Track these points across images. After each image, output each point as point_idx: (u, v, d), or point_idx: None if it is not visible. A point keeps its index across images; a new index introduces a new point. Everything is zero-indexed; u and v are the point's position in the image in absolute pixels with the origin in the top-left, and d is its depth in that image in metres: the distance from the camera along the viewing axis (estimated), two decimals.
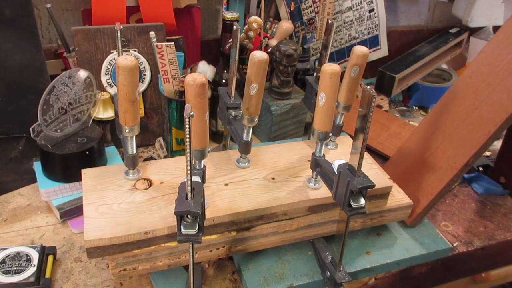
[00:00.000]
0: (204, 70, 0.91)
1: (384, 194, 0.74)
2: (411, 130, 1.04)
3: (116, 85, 0.74)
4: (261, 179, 0.71)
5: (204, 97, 0.57)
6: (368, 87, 0.53)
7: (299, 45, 1.08)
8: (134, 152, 0.67)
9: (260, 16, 1.01)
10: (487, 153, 1.02)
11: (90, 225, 0.60)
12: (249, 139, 0.71)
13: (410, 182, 0.82)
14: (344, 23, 1.18)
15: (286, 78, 0.95)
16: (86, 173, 0.69)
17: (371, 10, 1.17)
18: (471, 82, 0.81)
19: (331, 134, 0.79)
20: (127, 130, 0.64)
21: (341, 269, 0.65)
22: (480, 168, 0.97)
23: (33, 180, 0.82)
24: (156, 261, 0.63)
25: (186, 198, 0.52)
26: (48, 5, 0.84)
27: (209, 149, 0.63)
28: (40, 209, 0.80)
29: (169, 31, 0.95)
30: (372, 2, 1.16)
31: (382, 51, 1.22)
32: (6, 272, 0.64)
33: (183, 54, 0.89)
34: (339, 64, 1.19)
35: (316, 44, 1.18)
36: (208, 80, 0.87)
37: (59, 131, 0.77)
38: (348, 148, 0.80)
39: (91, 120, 0.83)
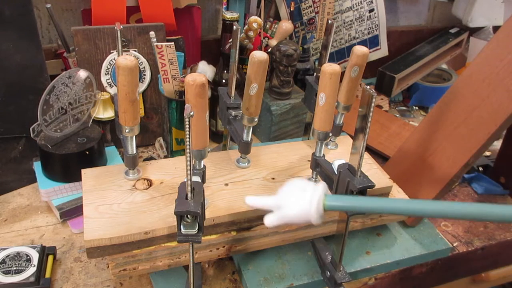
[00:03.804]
0: (204, 70, 0.91)
1: (384, 194, 0.74)
2: (411, 130, 1.04)
3: (116, 85, 0.74)
4: (261, 179, 0.71)
5: (204, 97, 0.57)
6: (368, 87, 0.53)
7: (299, 45, 1.08)
8: (134, 152, 0.67)
9: (260, 16, 1.01)
10: (487, 153, 1.02)
11: (90, 225, 0.60)
12: (249, 139, 0.71)
13: (410, 182, 0.82)
14: (344, 23, 1.18)
15: (286, 78, 0.95)
16: (86, 173, 0.69)
17: (371, 10, 1.17)
18: (471, 82, 0.81)
19: (331, 134, 0.79)
20: (127, 130, 0.64)
21: (341, 269, 0.65)
22: (480, 168, 0.97)
23: (33, 180, 0.82)
24: (156, 261, 0.63)
25: (186, 198, 0.52)
26: (48, 5, 0.84)
27: (209, 149, 0.63)
28: (40, 209, 0.80)
29: (169, 31, 0.95)
30: (372, 2, 1.16)
31: (382, 51, 1.22)
32: (6, 272, 0.64)
33: (183, 54, 0.89)
34: (339, 64, 1.19)
35: (316, 44, 1.18)
36: (208, 80, 0.87)
37: (59, 131, 0.77)
38: (348, 148, 0.80)
39: (91, 120, 0.83)
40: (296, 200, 0.49)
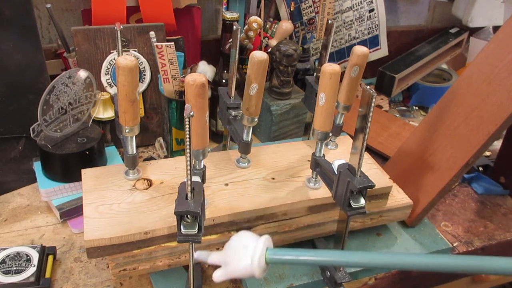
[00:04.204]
0: (204, 70, 0.91)
1: (384, 194, 0.74)
2: (411, 130, 1.04)
3: (116, 85, 0.74)
4: (261, 179, 0.71)
5: (204, 97, 0.57)
6: (368, 87, 0.53)
7: (299, 45, 1.08)
8: (134, 152, 0.67)
9: (260, 16, 1.01)
10: (487, 153, 1.02)
11: (90, 225, 0.60)
12: (249, 139, 0.71)
13: (410, 182, 0.82)
14: (344, 23, 1.18)
15: (286, 78, 0.95)
16: (86, 173, 0.69)
17: (371, 10, 1.17)
18: (471, 82, 0.81)
19: (331, 134, 0.79)
20: (127, 130, 0.64)
21: (341, 269, 0.65)
22: (480, 168, 0.97)
23: (33, 180, 0.82)
24: (156, 261, 0.63)
25: (186, 198, 0.52)
26: (48, 5, 0.84)
27: (209, 149, 0.63)
28: (40, 209, 0.80)
29: (169, 31, 0.95)
30: (372, 2, 1.16)
31: (382, 51, 1.22)
32: (6, 272, 0.64)
33: (183, 54, 0.89)
34: (339, 64, 1.19)
35: (316, 44, 1.18)
36: (208, 80, 0.87)
37: (59, 131, 0.77)
38: (348, 148, 0.80)
39: (91, 120, 0.83)
40: (239, 258, 0.51)
